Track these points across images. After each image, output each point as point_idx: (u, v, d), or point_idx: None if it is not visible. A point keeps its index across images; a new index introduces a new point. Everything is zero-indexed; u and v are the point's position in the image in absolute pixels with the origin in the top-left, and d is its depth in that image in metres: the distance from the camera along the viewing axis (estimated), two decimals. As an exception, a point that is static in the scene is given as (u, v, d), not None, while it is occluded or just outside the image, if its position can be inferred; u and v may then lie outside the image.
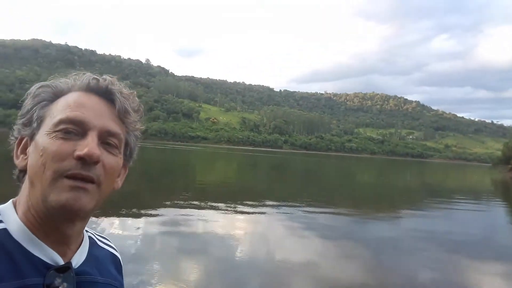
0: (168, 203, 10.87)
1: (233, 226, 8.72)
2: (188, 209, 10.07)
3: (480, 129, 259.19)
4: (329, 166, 50.01)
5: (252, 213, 10.40)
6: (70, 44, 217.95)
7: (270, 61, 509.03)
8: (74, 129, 0.63)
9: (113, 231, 7.42)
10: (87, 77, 0.67)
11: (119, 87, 0.66)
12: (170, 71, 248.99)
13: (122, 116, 0.71)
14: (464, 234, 9.70)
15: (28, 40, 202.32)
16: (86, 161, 0.62)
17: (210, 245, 7.05)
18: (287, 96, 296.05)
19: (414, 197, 19.75)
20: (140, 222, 8.33)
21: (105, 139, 0.66)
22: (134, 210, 9.46)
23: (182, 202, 11.05)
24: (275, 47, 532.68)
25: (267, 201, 12.62)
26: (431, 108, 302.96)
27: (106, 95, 0.68)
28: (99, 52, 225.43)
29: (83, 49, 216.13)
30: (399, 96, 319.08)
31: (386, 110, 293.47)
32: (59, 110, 0.65)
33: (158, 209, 9.89)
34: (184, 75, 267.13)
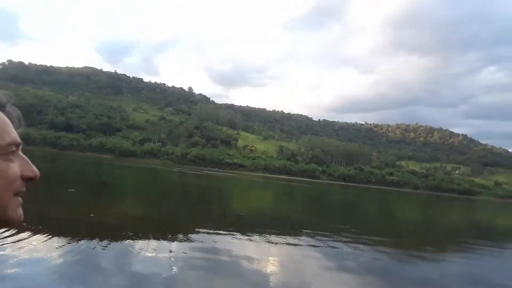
0: (203, 229, 10.87)
1: (267, 257, 8.51)
2: (222, 236, 10.00)
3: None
4: (370, 199, 48.26)
5: (288, 244, 10.13)
6: (119, 72, 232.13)
7: (309, 91, 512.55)
8: (15, 149, 0.70)
9: (147, 254, 7.48)
10: None
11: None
12: (211, 99, 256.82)
13: (18, 125, 0.74)
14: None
15: (81, 67, 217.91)
16: (32, 181, 0.71)
17: (242, 275, 6.90)
18: (326, 126, 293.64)
19: (460, 237, 18.44)
20: (174, 246, 8.36)
21: None
22: (169, 234, 9.54)
23: (217, 229, 11.01)
24: (314, 77, 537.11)
25: (303, 232, 12.27)
26: (479, 142, 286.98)
27: (3, 107, 0.68)
28: (145, 80, 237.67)
29: (131, 76, 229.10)
30: (444, 128, 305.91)
31: (431, 143, 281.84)
32: None
33: (192, 234, 9.90)
34: (224, 103, 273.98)
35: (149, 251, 7.69)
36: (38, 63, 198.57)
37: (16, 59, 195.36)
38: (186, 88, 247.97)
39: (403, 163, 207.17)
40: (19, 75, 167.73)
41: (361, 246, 10.97)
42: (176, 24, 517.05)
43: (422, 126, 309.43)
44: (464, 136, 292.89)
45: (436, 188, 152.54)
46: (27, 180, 0.70)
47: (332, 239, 11.60)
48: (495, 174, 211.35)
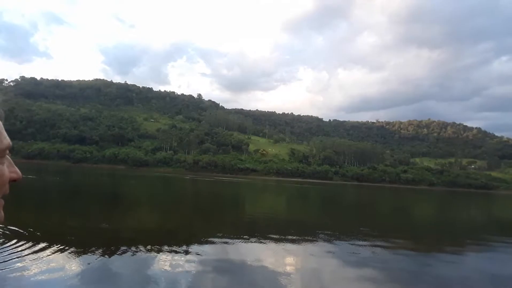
0: (218, 236, 10.81)
1: (283, 264, 8.39)
2: (238, 243, 9.93)
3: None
4: (385, 198, 47.64)
5: (304, 249, 10.00)
6: (129, 82, 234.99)
7: (318, 91, 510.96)
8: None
9: (163, 263, 7.45)
10: None
11: None
12: (220, 105, 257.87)
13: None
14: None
15: (92, 80, 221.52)
16: (14, 182, 0.71)
17: (259, 281, 6.81)
18: (337, 126, 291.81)
19: (480, 233, 17.99)
20: (189, 253, 8.31)
21: None
22: (183, 241, 9.50)
23: (232, 236, 10.94)
24: (323, 77, 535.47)
25: (319, 235, 12.12)
26: (494, 135, 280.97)
27: None
28: (155, 89, 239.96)
29: (140, 87, 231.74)
30: (457, 123, 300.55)
31: (444, 138, 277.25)
32: None
33: (208, 242, 9.85)
34: (234, 108, 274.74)
35: (165, 261, 7.65)
36: (49, 78, 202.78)
37: (28, 75, 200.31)
38: (195, 95, 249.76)
39: (417, 160, 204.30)
40: (32, 91, 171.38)
41: (379, 249, 10.76)
42: (182, 33, 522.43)
43: (434, 121, 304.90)
44: (479, 129, 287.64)
45: (452, 184, 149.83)
46: (11, 181, 0.70)
47: (349, 242, 11.42)
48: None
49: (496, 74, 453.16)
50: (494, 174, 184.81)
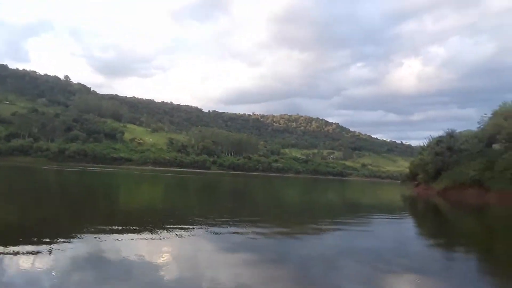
0: (87, 229, 10.06)
1: (158, 253, 8.35)
2: (109, 234, 9.42)
3: (392, 149, 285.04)
4: (257, 186, 50.80)
5: (178, 236, 10.07)
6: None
7: (198, 82, 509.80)
8: None
9: (25, 261, 6.63)
10: None
11: None
12: (92, 89, 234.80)
13: None
14: (381, 248, 10.44)
15: None
16: None
17: (134, 272, 6.65)
18: (216, 117, 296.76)
19: (335, 213, 20.86)
20: (55, 250, 7.57)
21: None
22: (48, 237, 8.58)
23: (102, 227, 10.31)
24: (204, 68, 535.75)
25: (195, 223, 12.34)
26: (349, 130, 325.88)
27: None
28: (11, 67, 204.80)
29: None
30: (321, 118, 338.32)
31: (310, 132, 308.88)
32: None
33: (75, 236, 9.11)
34: (108, 93, 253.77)
35: (24, 262, 6.82)
36: None
37: None
38: (61, 77, 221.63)
39: (287, 150, 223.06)
40: None
41: (251, 234, 11.55)
42: (48, 4, 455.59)
43: (302, 116, 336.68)
44: (337, 124, 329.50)
45: (314, 171, 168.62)
46: None
47: (224, 229, 11.95)
48: (362, 157, 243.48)
49: (352, 78, 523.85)
50: (348, 163, 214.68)
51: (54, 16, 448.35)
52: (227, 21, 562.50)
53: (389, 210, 24.67)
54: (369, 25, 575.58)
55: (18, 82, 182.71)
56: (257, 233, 11.35)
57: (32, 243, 8.18)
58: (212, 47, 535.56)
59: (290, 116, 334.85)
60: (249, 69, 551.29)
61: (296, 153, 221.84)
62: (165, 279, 6.46)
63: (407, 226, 17.13)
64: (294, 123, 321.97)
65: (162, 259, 7.81)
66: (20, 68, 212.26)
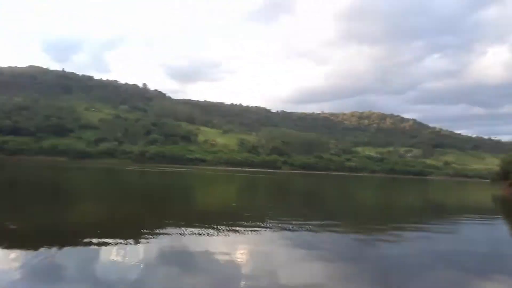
0: (169, 225, 10.63)
1: (235, 248, 8.49)
2: (189, 230, 9.84)
3: (479, 145, 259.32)
4: (330, 185, 49.69)
5: (254, 234, 10.16)
6: (67, 70, 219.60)
7: (266, 83, 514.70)
8: None
9: (110, 256, 7.20)
10: None
11: None
12: (167, 95, 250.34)
13: None
14: (472, 252, 9.48)
15: (26, 67, 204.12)
16: None
17: (213, 266, 6.84)
18: (285, 117, 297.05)
19: (418, 216, 19.49)
20: (142, 244, 8.11)
21: None
22: (134, 232, 9.23)
23: (183, 224, 10.82)
24: (268, 69, 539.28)
25: (271, 221, 12.37)
26: (427, 125, 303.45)
27: None
28: (96, 78, 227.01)
29: (80, 75, 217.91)
30: (395, 114, 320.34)
31: (384, 129, 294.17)
32: None
33: (159, 231, 9.66)
34: (181, 98, 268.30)
35: (113, 254, 7.40)
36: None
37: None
38: (140, 85, 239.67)
39: (359, 149, 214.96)
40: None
41: (327, 233, 11.24)
42: (125, 19, 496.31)
43: (375, 113, 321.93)
44: (414, 120, 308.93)
45: (391, 171, 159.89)
46: None
47: (300, 228, 11.79)
48: (444, 154, 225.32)
49: (429, 70, 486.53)
50: (428, 161, 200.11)
51: (130, 30, 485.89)
52: (292, 21, 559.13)
53: (478, 212, 22.36)
54: (445, 14, 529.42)
55: (103, 91, 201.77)
56: (333, 233, 11.01)
57: (120, 237, 8.85)
58: (278, 48, 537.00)
59: (362, 113, 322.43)
60: (317, 68, 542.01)
61: (370, 151, 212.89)
62: (242, 273, 6.54)
63: (500, 229, 15.38)
64: (366, 121, 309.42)
65: (240, 256, 7.92)
66: (104, 78, 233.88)
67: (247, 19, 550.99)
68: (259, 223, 11.87)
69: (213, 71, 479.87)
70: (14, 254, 7.11)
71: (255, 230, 10.69)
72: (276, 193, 31.03)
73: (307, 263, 7.61)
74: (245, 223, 11.80)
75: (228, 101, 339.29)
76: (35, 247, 7.47)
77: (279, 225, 11.91)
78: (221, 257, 7.64)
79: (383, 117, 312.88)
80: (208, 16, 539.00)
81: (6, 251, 7.23)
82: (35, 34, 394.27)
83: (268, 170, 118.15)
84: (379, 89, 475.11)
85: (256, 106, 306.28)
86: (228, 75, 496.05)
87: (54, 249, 7.46)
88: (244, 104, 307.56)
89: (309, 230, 11.31)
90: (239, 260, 7.55)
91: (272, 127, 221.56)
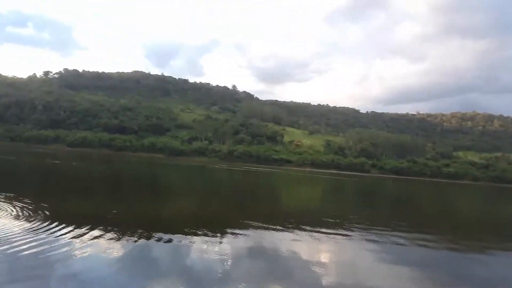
0: (252, 224, 10.71)
1: (318, 252, 8.16)
2: (272, 232, 9.78)
3: None
4: (425, 193, 45.77)
5: (340, 239, 9.68)
6: (166, 74, 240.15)
7: (354, 83, 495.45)
8: None
9: (198, 249, 7.44)
10: None
11: None
12: (254, 96, 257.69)
13: None
14: None
15: (131, 72, 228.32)
16: None
17: (294, 270, 6.63)
18: (375, 118, 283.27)
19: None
20: (225, 241, 8.27)
21: None
22: (219, 228, 9.48)
23: (267, 225, 10.80)
24: (360, 68, 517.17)
25: (357, 228, 11.71)
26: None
27: None
28: (191, 81, 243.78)
29: (177, 78, 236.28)
30: (505, 115, 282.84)
31: (490, 132, 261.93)
32: None
33: (242, 229, 9.77)
34: (268, 99, 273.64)
35: (201, 247, 7.64)
36: (91, 70, 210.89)
37: (71, 67, 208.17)
38: (230, 87, 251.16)
39: (461, 153, 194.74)
40: (75, 82, 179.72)
41: (421, 247, 10.24)
42: (217, 25, 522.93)
43: (480, 114, 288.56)
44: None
45: (498, 179, 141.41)
46: None
47: (388, 238, 10.93)
48: None
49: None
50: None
51: (222, 34, 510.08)
52: (383, 17, 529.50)
53: None
54: None
55: (196, 93, 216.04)
56: (423, 246, 9.95)
57: (206, 233, 9.14)
58: (367, 46, 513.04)
59: (464, 114, 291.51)
60: (412, 65, 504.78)
61: (473, 156, 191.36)
62: (323, 282, 6.20)
63: None
64: (469, 122, 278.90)
65: (321, 262, 7.58)
66: (198, 81, 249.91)
67: (334, 18, 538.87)
68: (342, 230, 11.32)
69: (300, 71, 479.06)
70: (110, 236, 7.81)
71: (337, 237, 10.20)
72: (363, 198, 29.55)
73: (396, 280, 6.93)
74: (327, 229, 11.34)
75: (315, 101, 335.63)
76: (130, 233, 8.11)
77: (364, 233, 11.19)
78: (306, 262, 7.39)
79: (490, 118, 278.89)
80: (295, 16, 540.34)
81: (105, 232, 7.96)
82: (138, 42, 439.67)
83: (355, 173, 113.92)
84: (484, 87, 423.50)
85: (343, 107, 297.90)
86: (315, 75, 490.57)
87: (145, 237, 8.01)
88: (331, 104, 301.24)
89: (396, 243, 10.40)
90: (319, 268, 7.21)
91: (360, 128, 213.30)
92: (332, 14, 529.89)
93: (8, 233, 7.18)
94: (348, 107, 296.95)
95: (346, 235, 10.48)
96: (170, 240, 8.12)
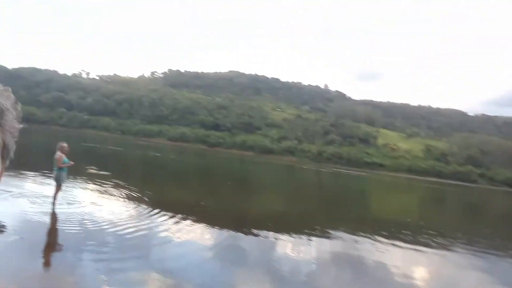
0: (341, 228, 10.33)
1: (411, 265, 7.48)
2: (361, 240, 9.29)
3: None
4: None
5: (443, 255, 8.76)
6: (258, 74, 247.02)
7: (461, 81, 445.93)
8: None
9: (285, 248, 7.40)
10: None
11: None
12: (347, 95, 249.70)
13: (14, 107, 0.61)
14: None
15: (227, 72, 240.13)
16: None
17: (388, 282, 6.16)
18: (485, 122, 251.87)
19: None
20: (314, 242, 8.11)
21: None
22: (306, 229, 9.34)
23: (355, 229, 10.32)
24: (465, 67, 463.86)
25: (459, 244, 10.50)
26: None
27: None
28: (282, 80, 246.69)
29: (269, 77, 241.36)
30: None
31: None
32: None
33: (330, 232, 9.49)
34: (362, 99, 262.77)
35: (288, 247, 7.61)
36: (191, 70, 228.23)
37: (174, 68, 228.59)
38: (321, 86, 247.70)
39: None
40: (177, 81, 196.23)
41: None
42: (311, 23, 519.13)
43: None
44: None
45: None
46: None
47: (502, 260, 9.57)
48: None
49: None
50: None
51: (315, 34, 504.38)
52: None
53: None
54: None
55: (287, 93, 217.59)
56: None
57: (293, 232, 9.07)
58: (476, 41, 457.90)
59: None
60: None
61: None
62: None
63: None
64: None
65: (421, 277, 6.92)
66: (289, 80, 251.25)
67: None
68: (442, 246, 10.23)
69: (397, 68, 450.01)
70: (203, 225, 8.25)
71: (437, 252, 9.24)
72: (467, 212, 26.50)
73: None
74: (423, 245, 10.36)
75: (414, 102, 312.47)
76: (219, 224, 8.46)
77: (469, 251, 9.95)
78: (396, 275, 6.84)
79: None
80: (388, 11, 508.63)
81: (198, 221, 8.43)
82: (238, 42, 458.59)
83: (460, 182, 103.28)
84: None
85: (448, 108, 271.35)
86: (414, 73, 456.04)
87: (234, 229, 8.28)
88: (434, 106, 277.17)
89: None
90: (408, 279, 6.60)
91: (467, 132, 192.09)
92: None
93: (119, 217, 8.03)
94: (453, 109, 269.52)
95: (447, 250, 9.45)
96: (257, 235, 8.24)
